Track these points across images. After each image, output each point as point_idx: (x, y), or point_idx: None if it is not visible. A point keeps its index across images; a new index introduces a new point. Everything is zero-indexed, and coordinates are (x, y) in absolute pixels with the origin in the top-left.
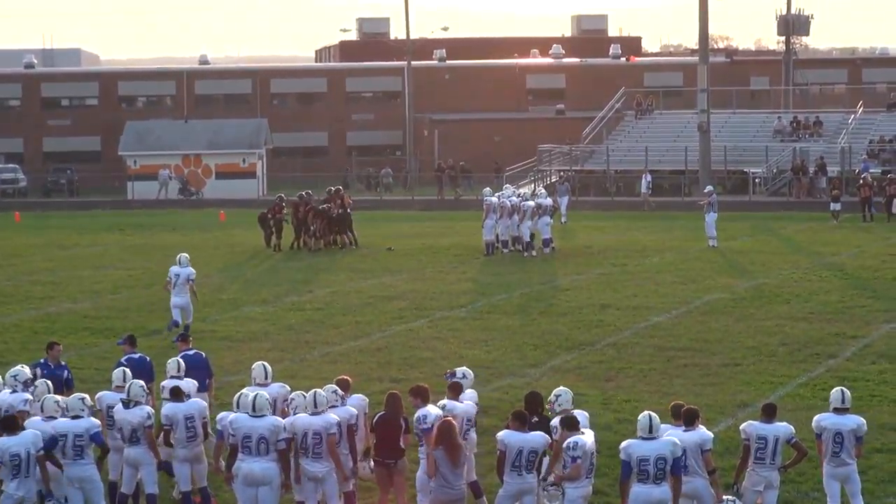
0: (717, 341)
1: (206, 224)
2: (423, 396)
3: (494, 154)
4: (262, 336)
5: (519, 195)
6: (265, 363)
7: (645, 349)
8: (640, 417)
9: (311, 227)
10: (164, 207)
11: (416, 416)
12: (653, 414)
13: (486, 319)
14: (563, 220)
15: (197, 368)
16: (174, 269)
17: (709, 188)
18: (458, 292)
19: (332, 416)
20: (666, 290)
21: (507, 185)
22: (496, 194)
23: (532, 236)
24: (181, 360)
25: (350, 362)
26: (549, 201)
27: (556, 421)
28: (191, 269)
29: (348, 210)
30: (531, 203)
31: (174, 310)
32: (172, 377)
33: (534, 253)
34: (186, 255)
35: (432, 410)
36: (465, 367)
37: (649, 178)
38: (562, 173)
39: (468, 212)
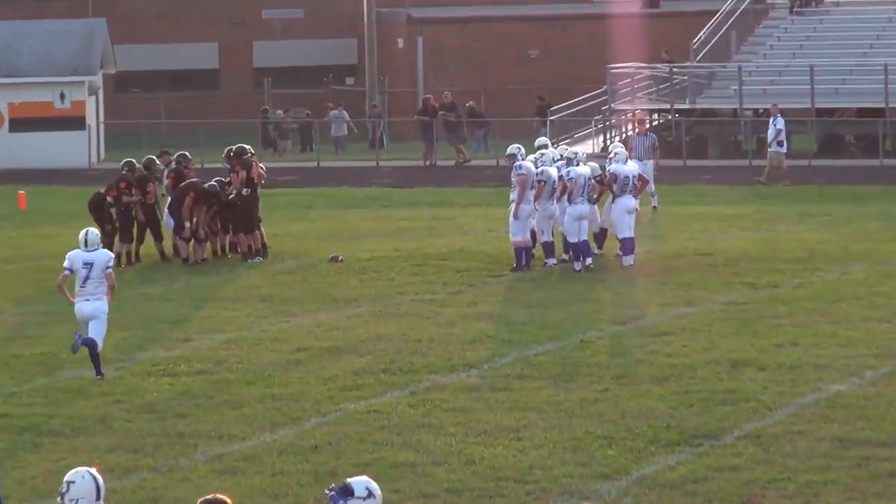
0: None
1: None
2: None
3: (528, 79)
4: (97, 424)
5: (572, 157)
6: (92, 475)
7: (816, 444)
8: None
9: (188, 223)
10: None
11: None
12: None
13: (515, 391)
14: (652, 203)
15: None
16: (78, 254)
17: None
18: (462, 340)
19: None
20: (853, 334)
21: (542, 140)
22: (531, 157)
23: (599, 235)
24: None
25: (262, 472)
26: (630, 170)
27: None
28: (107, 253)
29: (258, 189)
30: (585, 170)
31: (84, 322)
32: None
33: (588, 262)
34: (95, 230)
35: None
36: (366, 479)
37: (780, 123)
38: (653, 117)
39: (482, 190)
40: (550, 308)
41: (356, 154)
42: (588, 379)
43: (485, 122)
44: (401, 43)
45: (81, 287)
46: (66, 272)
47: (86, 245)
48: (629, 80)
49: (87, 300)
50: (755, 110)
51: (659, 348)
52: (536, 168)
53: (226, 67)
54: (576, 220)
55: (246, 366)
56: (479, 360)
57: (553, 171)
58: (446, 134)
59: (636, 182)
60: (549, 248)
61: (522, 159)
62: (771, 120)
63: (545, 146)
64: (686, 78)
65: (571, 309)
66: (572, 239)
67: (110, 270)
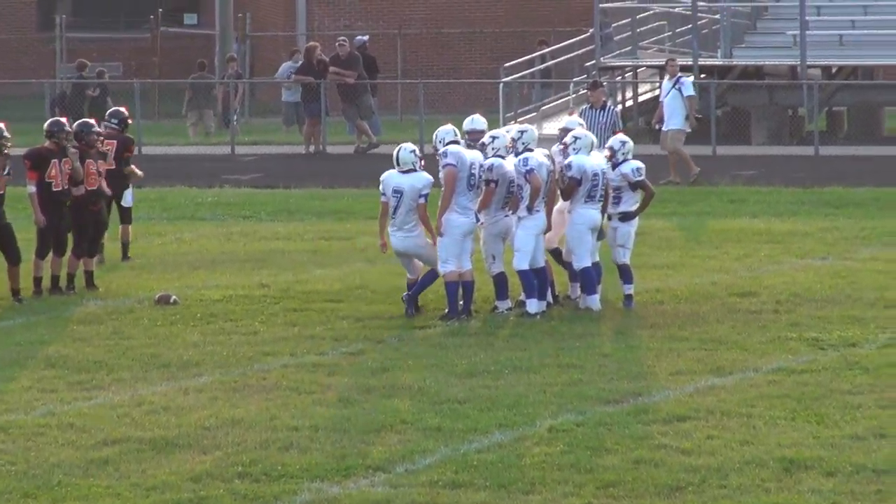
0: None
1: None
2: None
3: (473, 19)
4: None
5: (581, 139)
6: None
7: None
8: None
9: None
10: None
11: None
12: None
13: None
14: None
15: None
16: (390, 178)
17: None
18: (364, 428)
19: None
20: None
21: (572, 122)
22: (493, 135)
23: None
24: None
25: None
26: (599, 165)
27: None
28: (423, 178)
29: (102, 185)
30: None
31: (401, 258)
32: None
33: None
34: (411, 146)
35: None
36: None
37: (688, 87)
38: (665, 78)
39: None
40: (502, 378)
41: (198, 134)
42: (560, 489)
43: (371, 83)
44: None
45: (392, 217)
46: (383, 199)
47: (397, 163)
48: (629, 20)
49: (403, 234)
50: (826, 69)
51: (671, 441)
52: (485, 157)
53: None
54: (537, 236)
55: (22, 468)
56: (389, 460)
57: (509, 165)
58: (341, 104)
59: (636, 174)
60: (501, 285)
61: (450, 139)
62: (666, 82)
63: (568, 131)
64: (718, 17)
65: (534, 380)
66: (580, 264)
67: (423, 200)
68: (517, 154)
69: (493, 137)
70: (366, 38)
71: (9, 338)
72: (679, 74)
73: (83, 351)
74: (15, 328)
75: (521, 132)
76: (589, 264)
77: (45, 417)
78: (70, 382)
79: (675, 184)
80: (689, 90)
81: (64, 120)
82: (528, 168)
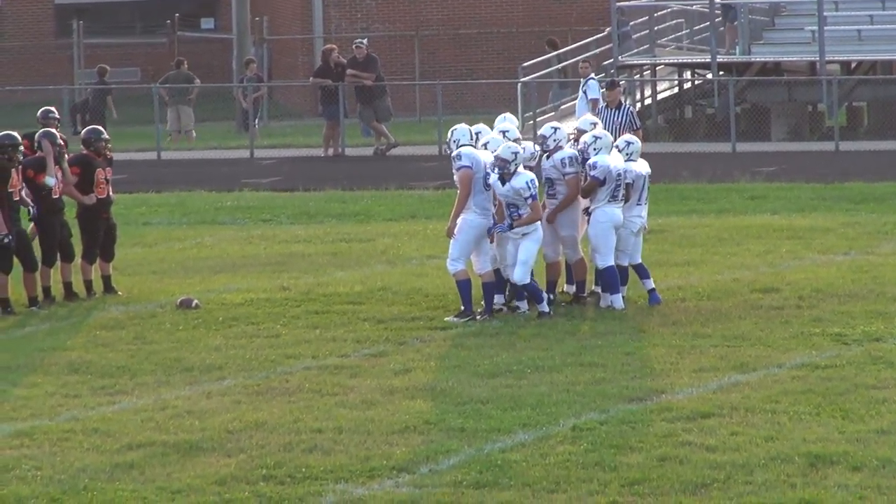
0: None
1: None
2: None
3: (488, 20)
4: None
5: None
6: None
7: None
8: None
9: None
10: None
11: None
12: None
13: None
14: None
15: None
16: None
17: None
18: (388, 429)
19: None
20: None
21: (505, 120)
22: (489, 137)
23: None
24: None
25: None
26: (620, 166)
27: None
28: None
29: (109, 191)
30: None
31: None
32: None
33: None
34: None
35: None
36: None
37: (593, 89)
38: (683, 76)
39: (417, 193)
40: (524, 378)
41: (217, 138)
42: (585, 488)
43: (381, 85)
44: None
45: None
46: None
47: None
48: (646, 18)
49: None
50: (845, 64)
51: (695, 438)
52: (501, 154)
53: (11, 1)
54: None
55: (48, 473)
56: (413, 461)
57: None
58: (358, 106)
59: (628, 182)
60: (518, 292)
61: (463, 141)
62: (581, 86)
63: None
64: (735, 12)
65: (557, 379)
66: (604, 263)
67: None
68: (545, 151)
69: (555, 129)
70: (361, 42)
71: (31, 344)
72: (590, 76)
73: (106, 356)
74: (37, 334)
75: (554, 129)
76: (612, 263)
77: (69, 423)
78: (94, 388)
79: None
80: (594, 92)
81: (100, 128)
82: (593, 171)
